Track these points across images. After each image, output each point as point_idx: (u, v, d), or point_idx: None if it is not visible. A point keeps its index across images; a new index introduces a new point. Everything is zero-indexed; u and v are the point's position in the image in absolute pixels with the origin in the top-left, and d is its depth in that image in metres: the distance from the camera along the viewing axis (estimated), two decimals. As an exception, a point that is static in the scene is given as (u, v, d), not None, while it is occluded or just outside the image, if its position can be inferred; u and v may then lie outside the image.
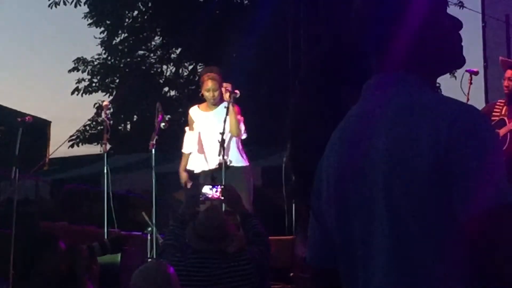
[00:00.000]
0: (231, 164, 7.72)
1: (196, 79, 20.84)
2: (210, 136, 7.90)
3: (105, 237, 7.94)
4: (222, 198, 5.64)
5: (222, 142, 7.52)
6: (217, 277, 4.84)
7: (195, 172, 8.07)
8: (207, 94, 7.97)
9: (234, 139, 7.92)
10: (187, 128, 8.28)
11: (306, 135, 9.86)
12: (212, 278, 4.85)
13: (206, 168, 7.95)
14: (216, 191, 5.68)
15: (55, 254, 5.34)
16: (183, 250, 5.14)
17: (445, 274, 1.83)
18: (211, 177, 7.74)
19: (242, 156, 7.95)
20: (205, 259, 4.93)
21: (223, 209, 6.21)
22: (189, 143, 8.16)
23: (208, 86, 7.93)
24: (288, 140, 7.90)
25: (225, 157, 7.58)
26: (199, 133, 8.05)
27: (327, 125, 2.10)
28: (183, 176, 8.12)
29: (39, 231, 8.06)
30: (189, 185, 8.11)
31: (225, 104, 7.82)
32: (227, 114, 7.67)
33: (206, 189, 5.66)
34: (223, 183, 7.31)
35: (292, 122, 8.07)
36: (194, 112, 8.17)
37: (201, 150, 8.03)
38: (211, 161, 7.90)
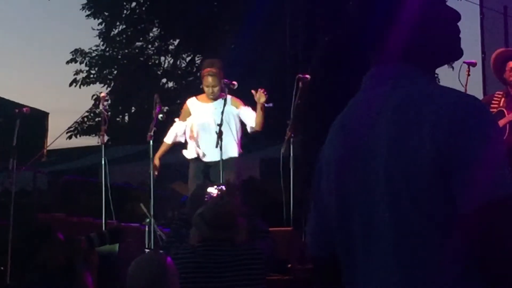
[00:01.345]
0: (227, 156, 7.75)
1: (194, 70, 20.84)
2: (207, 127, 7.90)
3: (103, 228, 7.94)
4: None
5: (219, 133, 7.52)
6: (225, 265, 4.83)
7: (188, 158, 8.08)
8: (206, 89, 7.99)
9: (232, 131, 7.92)
10: (177, 119, 8.28)
11: (318, 124, 9.87)
12: (221, 265, 4.83)
13: (201, 158, 7.97)
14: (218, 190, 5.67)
15: (53, 246, 5.34)
16: (186, 239, 5.12)
17: (443, 264, 1.83)
18: (203, 171, 7.77)
19: (238, 147, 7.97)
20: (214, 246, 4.91)
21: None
22: (173, 134, 8.18)
23: (208, 82, 7.94)
24: (294, 126, 7.90)
25: (221, 151, 7.58)
26: (193, 124, 8.05)
27: (339, 113, 2.10)
28: (156, 163, 8.11)
29: (37, 223, 8.06)
30: (156, 174, 8.09)
31: (228, 98, 7.82)
32: (224, 105, 7.67)
33: (211, 189, 5.65)
34: (222, 179, 7.34)
35: (303, 111, 8.09)
36: (192, 103, 8.16)
37: (196, 139, 8.02)
38: (207, 152, 7.92)
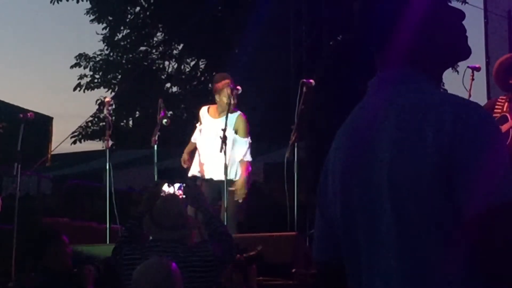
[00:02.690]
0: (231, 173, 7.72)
1: (198, 75, 20.84)
2: (212, 145, 7.75)
3: (107, 231, 7.96)
4: (184, 196, 5.51)
5: (223, 138, 7.45)
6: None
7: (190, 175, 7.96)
8: (224, 100, 7.82)
9: (236, 145, 7.85)
10: (198, 124, 8.21)
11: (325, 128, 9.85)
12: None
13: (205, 175, 7.87)
14: (179, 189, 5.59)
15: (60, 249, 5.35)
16: (140, 239, 5.04)
17: (447, 269, 1.83)
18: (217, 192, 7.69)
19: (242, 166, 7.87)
20: (163, 247, 4.85)
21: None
22: (196, 136, 8.11)
23: (228, 92, 7.81)
24: (298, 130, 7.90)
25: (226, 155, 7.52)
26: (198, 139, 8.03)
27: (343, 113, 2.11)
28: (185, 157, 8.07)
29: (44, 226, 8.07)
30: (186, 165, 8.05)
31: (235, 115, 7.78)
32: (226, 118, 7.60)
33: (166, 187, 5.57)
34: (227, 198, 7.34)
35: (309, 115, 8.07)
36: (203, 113, 8.08)
37: (200, 156, 7.97)
38: (211, 170, 7.83)
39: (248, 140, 7.88)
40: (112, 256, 5.09)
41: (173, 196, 5.24)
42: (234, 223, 7.65)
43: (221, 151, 7.45)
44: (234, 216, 7.68)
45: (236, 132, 7.84)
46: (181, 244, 4.87)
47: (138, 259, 4.75)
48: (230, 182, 7.69)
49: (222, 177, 7.58)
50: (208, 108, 8.09)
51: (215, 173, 7.72)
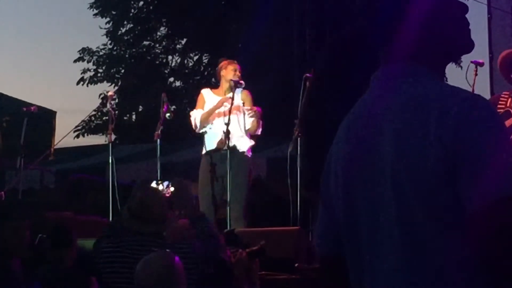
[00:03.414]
0: (236, 148, 7.74)
1: (202, 69, 20.84)
2: (218, 119, 7.85)
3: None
4: (169, 194, 5.47)
5: (227, 132, 7.49)
6: None
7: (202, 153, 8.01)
8: (232, 75, 7.91)
9: (241, 124, 7.88)
10: (194, 110, 8.13)
11: (322, 122, 9.84)
12: None
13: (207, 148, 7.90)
14: (167, 187, 5.55)
15: (72, 247, 5.30)
16: (120, 234, 5.00)
17: (451, 267, 1.82)
18: (210, 163, 7.67)
19: (248, 141, 7.93)
20: (143, 241, 4.81)
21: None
22: (198, 121, 8.00)
23: (234, 67, 7.93)
24: (298, 127, 7.89)
25: (230, 142, 7.55)
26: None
27: (345, 111, 2.10)
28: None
29: (56, 223, 8.03)
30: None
31: (238, 90, 7.82)
32: (233, 99, 7.64)
33: (154, 184, 5.53)
34: (230, 176, 7.34)
35: (308, 109, 8.07)
36: (207, 93, 8.12)
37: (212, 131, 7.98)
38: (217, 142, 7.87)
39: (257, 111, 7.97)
40: (93, 251, 5.06)
41: (154, 190, 5.19)
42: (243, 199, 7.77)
43: (224, 146, 7.49)
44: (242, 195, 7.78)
45: (243, 104, 7.94)
46: (159, 238, 4.84)
47: (115, 253, 4.73)
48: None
49: (242, 148, 7.74)
50: (211, 90, 8.16)
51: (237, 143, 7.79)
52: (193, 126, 8.04)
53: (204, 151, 7.90)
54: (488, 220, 1.76)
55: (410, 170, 1.85)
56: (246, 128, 7.91)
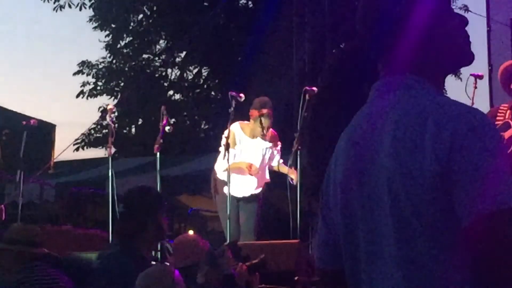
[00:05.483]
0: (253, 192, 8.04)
1: (201, 82, 20.85)
2: (256, 163, 8.04)
3: (110, 238, 7.95)
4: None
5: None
6: None
7: (233, 195, 8.04)
8: (259, 130, 8.05)
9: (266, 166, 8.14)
10: (226, 142, 7.95)
11: (325, 133, 9.85)
12: None
13: (243, 194, 8.12)
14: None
15: None
16: None
17: (447, 279, 1.82)
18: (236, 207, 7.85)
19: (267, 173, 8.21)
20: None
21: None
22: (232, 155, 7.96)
23: (266, 123, 8.05)
24: (298, 140, 7.90)
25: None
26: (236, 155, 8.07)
27: (347, 121, 2.11)
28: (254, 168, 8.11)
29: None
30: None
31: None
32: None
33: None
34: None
35: (311, 118, 8.09)
36: (238, 132, 8.12)
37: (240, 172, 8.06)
38: (248, 187, 8.10)
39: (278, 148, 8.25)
40: None
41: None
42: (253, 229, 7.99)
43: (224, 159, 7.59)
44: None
45: (272, 145, 8.21)
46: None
47: None
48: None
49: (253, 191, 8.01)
50: (241, 126, 8.15)
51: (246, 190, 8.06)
52: (217, 162, 8.12)
53: (224, 171, 7.87)
54: (485, 232, 1.76)
55: (406, 184, 1.85)
56: (272, 165, 8.19)
